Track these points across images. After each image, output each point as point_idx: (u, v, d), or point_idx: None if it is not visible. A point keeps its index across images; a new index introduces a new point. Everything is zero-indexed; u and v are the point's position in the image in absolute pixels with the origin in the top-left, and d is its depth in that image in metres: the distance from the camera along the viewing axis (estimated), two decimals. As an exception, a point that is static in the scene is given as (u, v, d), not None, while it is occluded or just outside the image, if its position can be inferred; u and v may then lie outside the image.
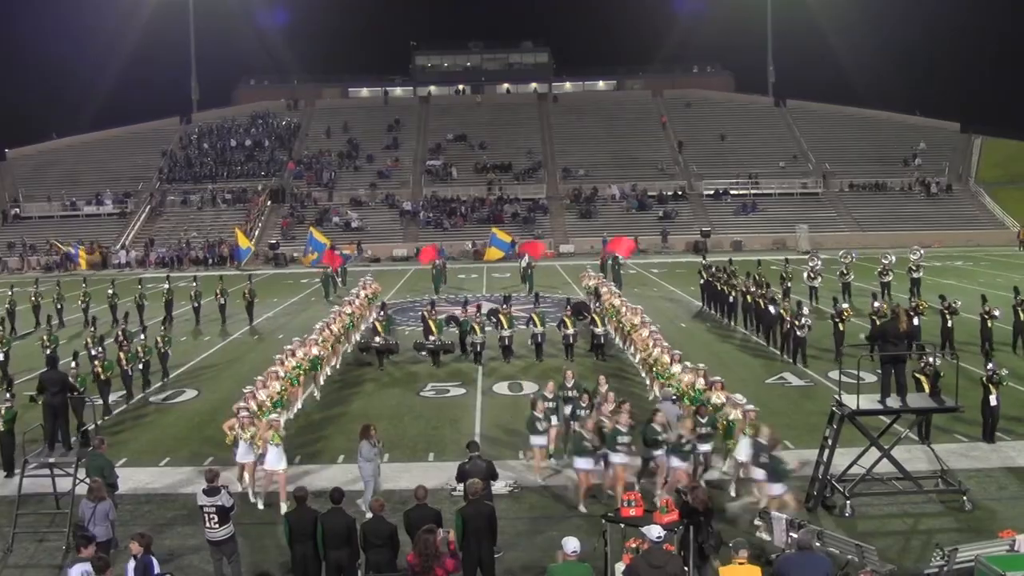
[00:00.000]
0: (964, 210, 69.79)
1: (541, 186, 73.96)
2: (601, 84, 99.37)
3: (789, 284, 34.65)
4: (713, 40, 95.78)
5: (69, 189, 73.97)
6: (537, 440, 16.11)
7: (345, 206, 71.18)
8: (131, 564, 10.40)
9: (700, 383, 17.22)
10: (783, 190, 72.20)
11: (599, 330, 26.40)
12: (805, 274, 36.15)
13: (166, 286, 36.59)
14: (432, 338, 26.11)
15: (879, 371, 15.54)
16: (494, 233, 49.91)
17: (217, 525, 11.95)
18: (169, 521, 14.67)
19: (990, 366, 18.42)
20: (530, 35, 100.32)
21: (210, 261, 63.03)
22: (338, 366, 25.93)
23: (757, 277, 32.68)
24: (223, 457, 17.27)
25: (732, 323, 31.81)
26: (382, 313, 28.43)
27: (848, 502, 14.26)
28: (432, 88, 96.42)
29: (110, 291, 35.94)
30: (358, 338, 28.59)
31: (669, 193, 71.94)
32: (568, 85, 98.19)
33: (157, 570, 10.55)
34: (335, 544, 11.19)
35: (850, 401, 15.03)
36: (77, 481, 14.26)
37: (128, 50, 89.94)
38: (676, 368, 18.54)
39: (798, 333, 24.96)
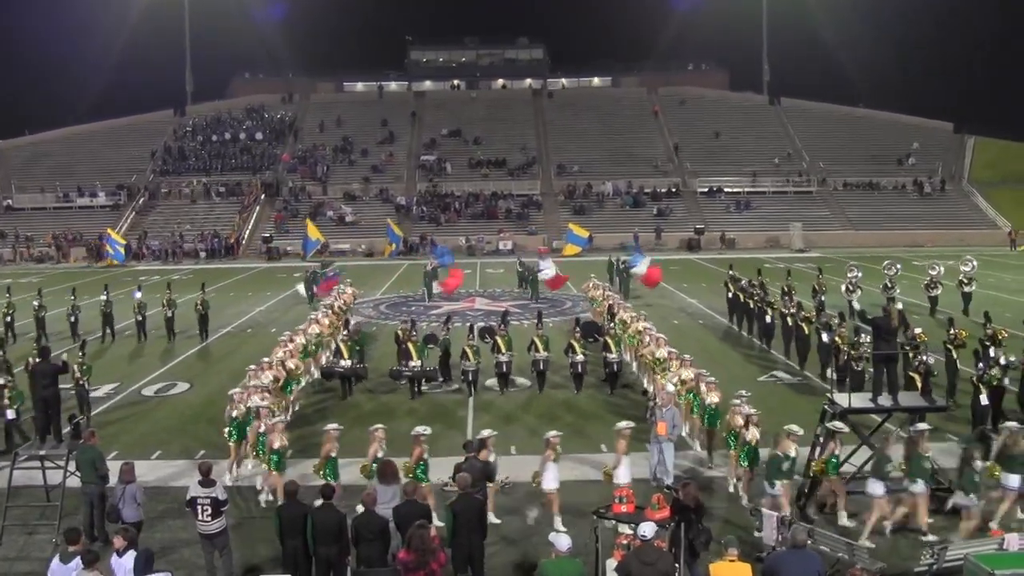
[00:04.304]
0: (957, 210, 69.97)
1: (535, 182, 73.96)
2: (596, 81, 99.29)
3: (823, 298, 30.29)
4: (708, 38, 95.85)
5: (62, 181, 73.63)
6: (876, 489, 13.46)
7: (339, 200, 71.12)
8: (127, 556, 10.34)
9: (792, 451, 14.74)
10: (777, 188, 72.37)
11: (613, 356, 22.36)
12: (843, 287, 31.61)
13: (103, 297, 30.75)
14: (412, 363, 22.14)
15: (871, 369, 15.57)
16: (571, 229, 48.21)
17: (210, 518, 11.93)
18: (160, 514, 14.62)
19: (980, 365, 18.46)
20: (526, 31, 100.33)
21: (202, 254, 63.00)
22: (297, 408, 21.02)
23: (786, 288, 29.37)
24: (215, 451, 17.31)
25: (768, 348, 27.15)
26: (345, 332, 24.12)
27: (837, 499, 14.29)
28: (427, 83, 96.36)
29: (36, 302, 30.59)
30: (325, 361, 24.38)
31: (663, 190, 72.02)
32: (563, 81, 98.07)
33: (155, 564, 10.53)
34: (325, 540, 11.17)
35: (842, 399, 15.08)
36: (67, 473, 14.24)
37: (123, 42, 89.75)
38: (754, 433, 14.83)
39: (856, 366, 19.87)
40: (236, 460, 16.46)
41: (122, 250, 57.93)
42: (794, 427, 13.87)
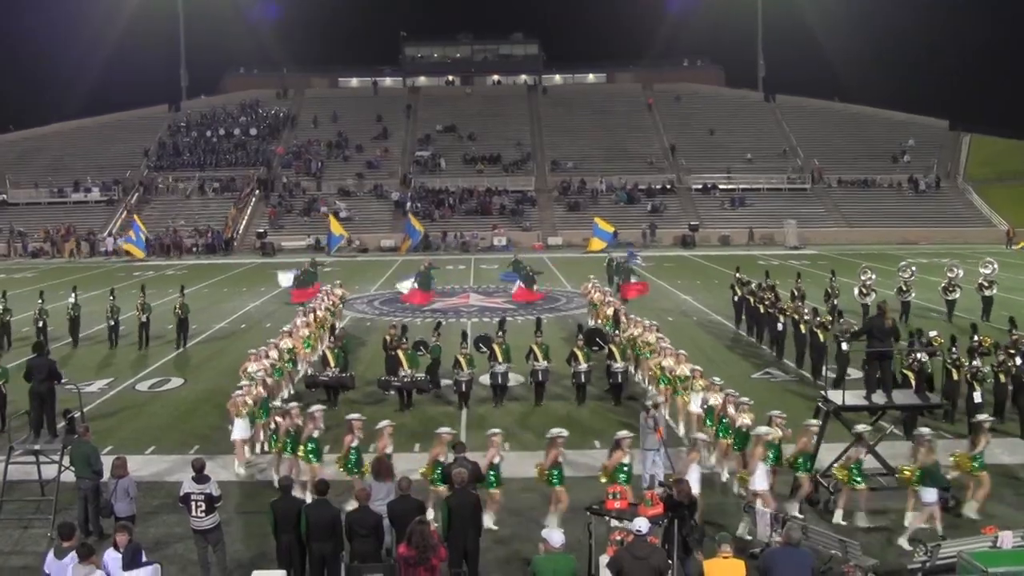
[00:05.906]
0: (952, 207, 70.04)
1: (530, 178, 73.93)
2: (591, 77, 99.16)
3: (836, 302, 29.67)
4: (703, 34, 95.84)
5: (56, 176, 73.51)
6: None
7: (333, 196, 71.00)
8: (117, 552, 10.37)
9: None
10: (772, 185, 72.41)
11: (618, 366, 21.00)
12: (856, 290, 30.31)
13: (71, 300, 29.15)
14: (402, 373, 20.73)
15: (865, 367, 15.58)
16: (596, 223, 46.74)
17: (204, 514, 11.95)
18: (155, 509, 14.63)
19: (974, 363, 18.48)
20: (520, 27, 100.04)
21: (196, 248, 62.91)
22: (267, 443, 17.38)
23: (796, 291, 28.21)
24: (208, 446, 17.31)
25: (781, 357, 25.39)
26: (331, 338, 23.18)
27: (832, 497, 14.34)
28: (422, 79, 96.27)
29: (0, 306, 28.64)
30: (308, 371, 23.13)
31: (658, 187, 72.02)
32: (558, 77, 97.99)
33: (144, 558, 10.53)
34: (319, 536, 11.20)
35: (836, 396, 15.11)
36: (62, 468, 14.23)
37: (117, 37, 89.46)
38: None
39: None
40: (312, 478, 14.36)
41: (144, 240, 56.87)
42: (925, 429, 14.28)
